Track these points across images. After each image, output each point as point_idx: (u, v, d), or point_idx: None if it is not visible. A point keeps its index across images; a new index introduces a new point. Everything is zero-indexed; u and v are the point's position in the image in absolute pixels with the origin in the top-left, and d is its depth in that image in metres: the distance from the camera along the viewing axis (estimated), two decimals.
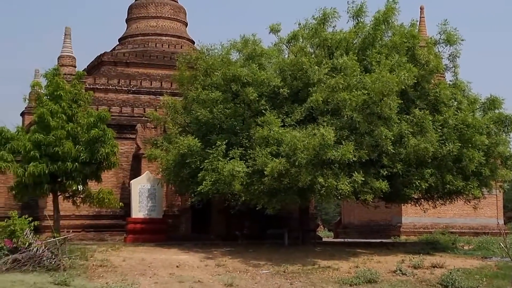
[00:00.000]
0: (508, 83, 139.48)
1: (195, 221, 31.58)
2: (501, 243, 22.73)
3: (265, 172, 22.08)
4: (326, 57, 25.10)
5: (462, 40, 26.33)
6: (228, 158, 23.03)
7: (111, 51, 37.33)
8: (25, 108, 31.66)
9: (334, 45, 25.51)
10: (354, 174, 22.15)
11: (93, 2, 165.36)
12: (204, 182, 23.21)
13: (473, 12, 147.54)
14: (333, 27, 26.48)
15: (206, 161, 23.55)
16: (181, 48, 36.79)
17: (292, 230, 29.52)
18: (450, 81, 27.87)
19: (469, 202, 28.22)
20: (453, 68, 27.35)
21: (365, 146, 22.58)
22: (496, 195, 38.96)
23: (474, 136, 23.65)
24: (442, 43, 26.62)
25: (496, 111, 26.01)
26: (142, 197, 29.13)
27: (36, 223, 22.09)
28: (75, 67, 34.43)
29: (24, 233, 20.10)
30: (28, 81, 30.10)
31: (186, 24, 39.69)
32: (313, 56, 25.26)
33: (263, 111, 23.87)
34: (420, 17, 42.79)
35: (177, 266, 20.77)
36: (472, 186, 25.09)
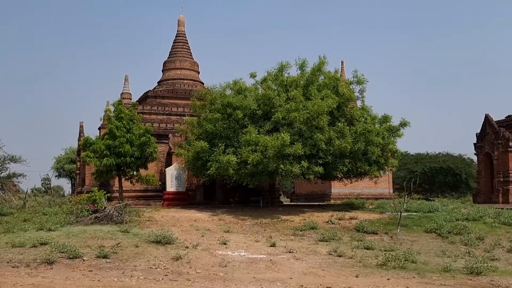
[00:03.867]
0: (395, 105, 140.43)
1: (205, 193, 31.51)
2: (391, 204, 22.95)
3: (248, 162, 22.21)
4: (283, 91, 25.19)
5: (367, 81, 26.58)
6: (225, 154, 23.11)
7: (153, 89, 37.20)
8: (101, 124, 31.42)
9: (288, 84, 25.68)
10: (302, 163, 22.29)
11: (141, 59, 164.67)
12: (211, 168, 23.35)
13: (375, 60, 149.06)
14: (288, 73, 26.80)
15: (211, 156, 23.67)
16: (196, 87, 36.73)
17: (265, 197, 29.52)
18: (360, 105, 28.01)
19: (372, 179, 28.42)
20: (362, 97, 27.44)
21: (308, 145, 22.70)
22: (388, 175, 39.22)
23: (374, 138, 23.83)
24: (354, 82, 26.76)
25: (388, 123, 26.22)
26: (172, 178, 29.02)
27: (108, 195, 22.07)
28: (131, 99, 34.37)
29: (101, 201, 20.01)
30: (103, 108, 29.89)
31: (198, 72, 39.62)
32: (276, 91, 25.35)
33: (246, 125, 24.01)
34: (341, 67, 42.87)
35: (194, 220, 20.71)
36: (374, 169, 25.30)
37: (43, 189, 60.97)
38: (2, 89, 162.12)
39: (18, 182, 42.27)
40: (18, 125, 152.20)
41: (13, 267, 11.46)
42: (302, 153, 22.14)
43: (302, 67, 26.81)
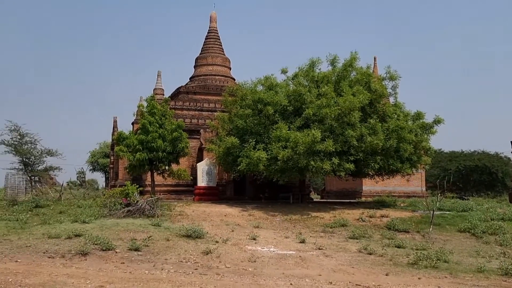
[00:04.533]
0: (429, 102, 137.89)
1: (235, 188, 31.65)
2: (423, 202, 22.59)
3: (278, 158, 22.24)
4: (314, 87, 25.11)
5: (400, 77, 26.32)
6: (255, 150, 23.17)
7: (185, 85, 37.48)
8: (134, 119, 31.91)
9: (320, 80, 25.60)
10: (333, 159, 22.18)
11: (174, 55, 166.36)
12: (241, 164, 23.48)
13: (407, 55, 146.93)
14: (319, 69, 26.73)
15: (242, 151, 23.79)
16: (227, 83, 36.85)
17: (295, 194, 29.48)
18: (392, 102, 27.66)
19: (404, 177, 28.07)
20: (394, 94, 27.18)
21: (339, 142, 22.54)
22: (421, 172, 38.58)
23: (406, 135, 23.51)
24: (387, 78, 26.49)
25: (421, 120, 25.86)
26: (203, 173, 29.27)
27: (141, 188, 22.43)
28: (163, 95, 34.68)
29: (134, 195, 20.36)
30: (136, 103, 30.41)
31: (230, 68, 39.72)
32: (307, 87, 25.26)
33: (277, 121, 24.04)
34: (374, 63, 42.40)
35: (224, 215, 20.86)
36: (406, 167, 24.99)
37: (78, 182, 62.32)
38: (42, 84, 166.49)
39: (55, 175, 43.39)
40: (54, 120, 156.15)
41: (49, 257, 11.78)
42: (333, 149, 22.02)
43: (333, 63, 26.67)
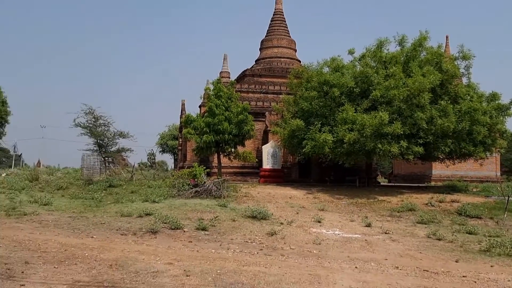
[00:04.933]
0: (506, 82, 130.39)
1: (300, 171, 31.62)
2: (498, 187, 21.56)
3: (344, 140, 21.94)
4: (382, 68, 24.43)
5: (474, 57, 25.03)
6: (321, 132, 22.97)
7: (250, 68, 37.67)
8: (201, 102, 32.49)
9: (388, 61, 24.83)
10: (401, 142, 21.61)
11: (240, 38, 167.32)
12: (306, 146, 23.40)
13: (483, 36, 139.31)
14: (387, 49, 25.90)
15: (307, 134, 23.67)
16: (292, 65, 36.61)
17: (361, 177, 29.00)
18: (465, 82, 26.43)
19: (477, 161, 26.81)
20: (467, 74, 25.92)
21: (408, 124, 21.92)
22: (495, 156, 36.73)
23: (480, 117, 22.47)
24: (460, 58, 25.28)
25: (496, 101, 24.59)
26: (269, 156, 29.44)
27: (207, 170, 22.92)
28: (229, 78, 35.10)
29: (201, 176, 20.84)
30: (203, 87, 31.00)
31: (295, 50, 39.42)
32: (374, 68, 24.64)
33: (343, 103, 23.66)
34: (446, 42, 40.66)
35: (289, 197, 20.91)
36: (479, 150, 23.91)
37: (149, 163, 64.57)
38: (116, 69, 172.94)
39: (126, 157, 45.19)
40: (125, 103, 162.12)
41: (122, 234, 12.34)
42: (401, 132, 21.43)
43: (401, 43, 25.82)
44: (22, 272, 8.05)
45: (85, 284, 7.54)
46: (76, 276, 7.99)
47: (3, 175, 31.04)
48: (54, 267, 8.53)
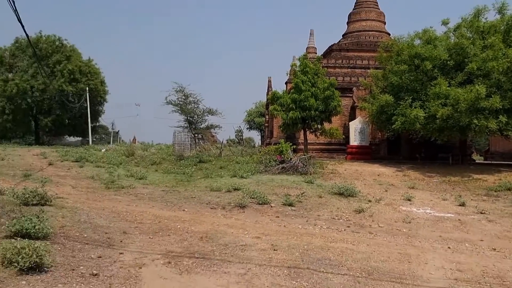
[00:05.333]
0: None
1: (389, 148, 30.75)
2: None
3: (436, 116, 21.01)
4: (479, 39, 22.89)
5: None
6: (412, 108, 22.11)
7: (337, 43, 36.98)
8: (287, 79, 32.41)
9: (486, 30, 23.22)
10: (499, 117, 20.30)
11: (327, 12, 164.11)
12: (396, 123, 22.67)
13: None
14: (485, 18, 24.18)
15: (397, 110, 22.89)
16: (381, 38, 35.32)
17: (454, 154, 27.64)
18: None
19: None
20: None
21: (507, 98, 20.52)
22: None
23: None
24: None
25: None
26: (356, 132, 28.90)
27: (294, 146, 22.93)
28: (316, 53, 34.59)
29: (288, 152, 20.93)
30: (289, 63, 30.92)
31: (384, 23, 37.99)
32: (470, 39, 23.15)
33: (435, 76, 22.61)
34: None
35: (377, 175, 20.44)
36: None
37: (236, 140, 65.84)
38: (204, 48, 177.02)
39: (215, 133, 46.30)
40: (213, 81, 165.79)
41: (211, 208, 12.73)
42: (500, 107, 20.10)
43: (501, 10, 23.99)
44: (121, 241, 8.57)
45: (177, 254, 7.88)
46: (169, 247, 8.37)
47: (102, 150, 33.17)
48: (149, 238, 8.99)
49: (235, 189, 15.28)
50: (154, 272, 6.93)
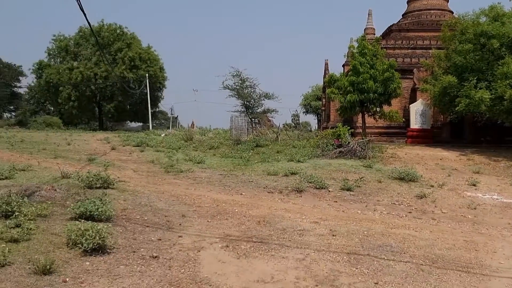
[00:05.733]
0: None
1: (452, 131, 29.48)
2: None
3: (504, 97, 19.83)
4: None
5: None
6: (477, 89, 21.04)
7: (397, 23, 35.70)
8: (345, 61, 31.68)
9: None
10: None
11: None
12: (459, 105, 21.61)
13: None
14: None
15: (460, 91, 21.81)
16: (444, 17, 33.76)
17: None
18: None
19: None
20: None
21: None
22: None
23: None
24: None
25: None
26: (417, 115, 27.92)
27: (351, 130, 22.48)
28: (374, 34, 33.58)
29: (345, 136, 20.52)
30: (347, 45, 30.22)
31: (447, 0, 36.29)
32: None
33: (503, 55, 21.33)
34: None
35: (440, 159, 19.65)
36: None
37: (293, 124, 65.51)
38: (261, 32, 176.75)
39: (272, 117, 46.27)
40: (270, 65, 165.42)
41: (269, 192, 12.67)
42: None
43: None
44: (180, 224, 8.66)
45: (235, 238, 7.87)
46: (227, 231, 8.37)
47: (162, 135, 33.91)
48: (208, 221, 9.04)
49: (292, 173, 15.14)
50: (212, 255, 6.94)
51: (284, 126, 47.65)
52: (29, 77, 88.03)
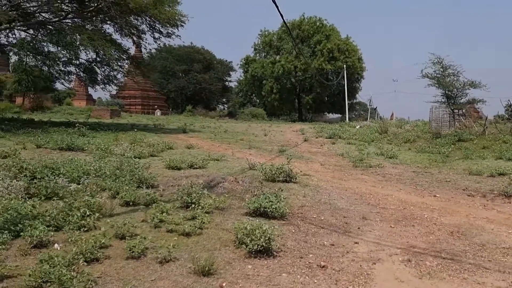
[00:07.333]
0: None
1: None
2: None
3: None
4: None
5: None
6: None
7: None
8: None
9: None
10: None
11: None
12: None
13: None
14: None
15: None
16: None
17: None
18: None
19: None
20: None
21: None
22: None
23: None
24: None
25: None
26: None
27: None
28: None
29: None
30: None
31: None
32: None
33: None
34: None
35: None
36: None
37: (506, 116, 58.08)
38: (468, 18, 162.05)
39: (479, 108, 41.44)
40: (478, 51, 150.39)
41: (468, 195, 10.89)
42: None
43: None
44: (358, 228, 7.76)
45: (420, 251, 6.66)
46: (412, 240, 7.18)
47: (357, 127, 32.95)
48: (390, 227, 7.95)
49: (499, 174, 12.91)
50: (389, 270, 5.91)
51: (494, 118, 42.33)
52: (237, 71, 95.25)
